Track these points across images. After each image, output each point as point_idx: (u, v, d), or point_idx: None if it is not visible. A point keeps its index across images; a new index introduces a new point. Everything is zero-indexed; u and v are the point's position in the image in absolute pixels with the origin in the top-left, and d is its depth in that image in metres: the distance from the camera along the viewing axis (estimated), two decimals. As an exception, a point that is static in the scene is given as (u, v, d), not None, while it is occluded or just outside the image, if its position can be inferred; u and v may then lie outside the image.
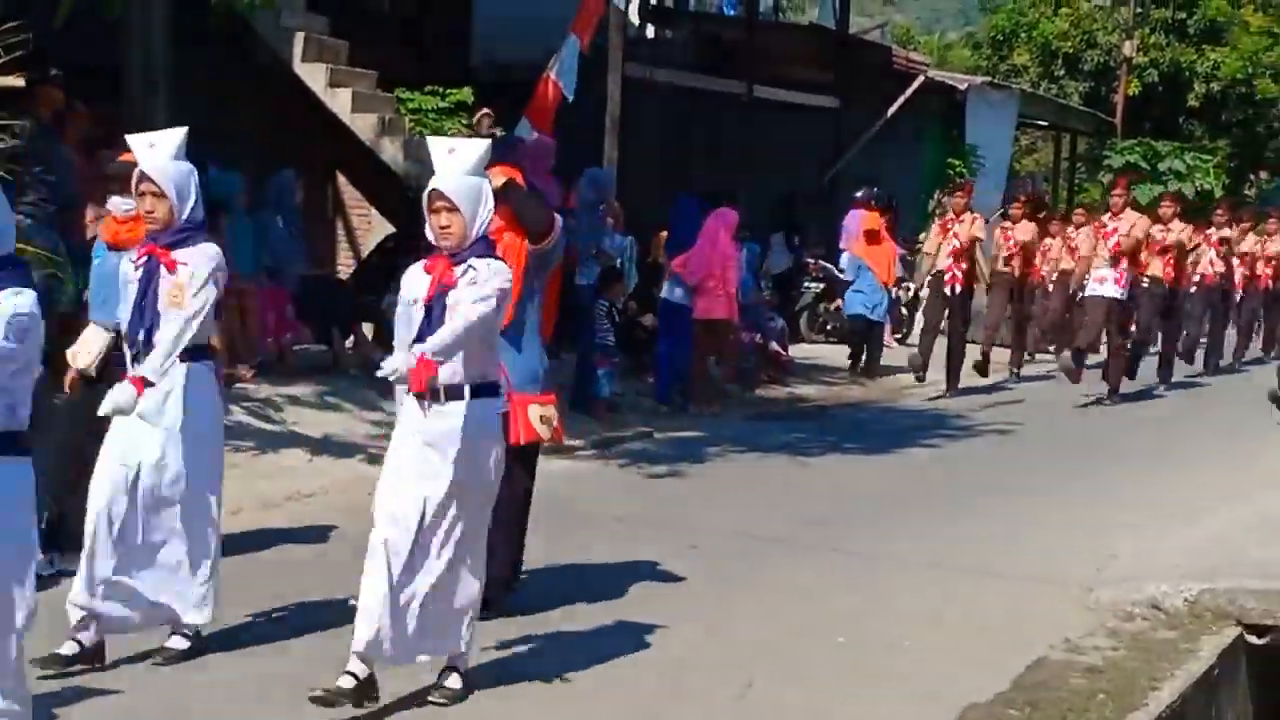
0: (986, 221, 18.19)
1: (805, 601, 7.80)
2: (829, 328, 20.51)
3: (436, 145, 5.92)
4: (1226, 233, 20.48)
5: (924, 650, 7.02)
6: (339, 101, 16.15)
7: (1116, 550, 9.09)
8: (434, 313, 5.74)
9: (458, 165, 5.79)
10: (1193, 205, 34.62)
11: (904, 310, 21.14)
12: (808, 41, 24.98)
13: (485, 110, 15.55)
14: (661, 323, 14.78)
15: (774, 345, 17.20)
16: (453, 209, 5.72)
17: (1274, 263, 20.92)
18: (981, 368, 17.94)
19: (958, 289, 16.80)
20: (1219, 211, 21.37)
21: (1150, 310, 18.01)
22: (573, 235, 14.72)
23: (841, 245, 20.83)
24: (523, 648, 6.70)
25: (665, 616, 7.36)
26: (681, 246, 14.69)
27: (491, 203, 5.87)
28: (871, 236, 18.41)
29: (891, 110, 25.16)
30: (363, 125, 16.34)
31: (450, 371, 5.71)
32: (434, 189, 5.78)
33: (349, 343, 13.26)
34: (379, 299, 13.72)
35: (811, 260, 21.05)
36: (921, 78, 26.26)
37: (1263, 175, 47.09)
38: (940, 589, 8.19)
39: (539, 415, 6.79)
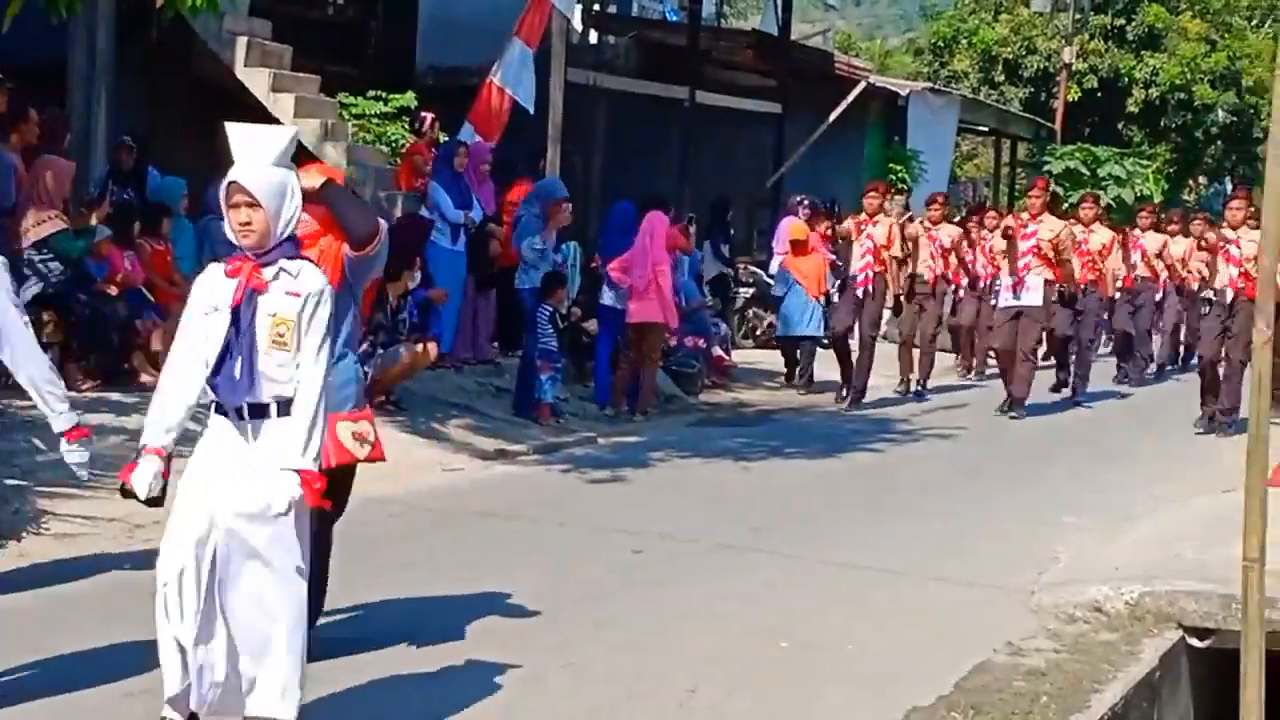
0: (911, 218, 18.13)
1: (749, 606, 7.82)
2: (758, 333, 20.53)
3: (235, 133, 5.33)
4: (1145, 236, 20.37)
5: (867, 653, 7.04)
6: (281, 107, 16.11)
7: (1058, 553, 9.17)
8: (242, 321, 5.15)
9: (260, 156, 5.23)
10: (1131, 210, 35.04)
11: None
12: (750, 47, 25.05)
13: (432, 115, 15.57)
14: (600, 327, 14.82)
15: (717, 350, 17.25)
16: (254, 204, 5.14)
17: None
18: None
19: (870, 289, 16.15)
20: (1143, 215, 21.29)
21: (1068, 316, 17.20)
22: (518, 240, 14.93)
23: (777, 251, 20.90)
24: (464, 656, 6.69)
25: (608, 621, 7.37)
26: (614, 252, 14.74)
27: (299, 198, 5.33)
28: (798, 247, 17.76)
29: (834, 116, 25.30)
30: (306, 130, 16.29)
31: (269, 388, 5.17)
32: (232, 181, 5.19)
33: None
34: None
35: (741, 265, 21.05)
36: (863, 83, 26.43)
37: (1201, 181, 47.58)
38: (883, 592, 8.23)
39: (351, 433, 6.14)
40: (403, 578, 8.03)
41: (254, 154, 5.25)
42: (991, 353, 17.99)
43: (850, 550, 9.16)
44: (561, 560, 8.69)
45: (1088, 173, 35.14)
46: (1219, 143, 43.27)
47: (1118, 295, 19.53)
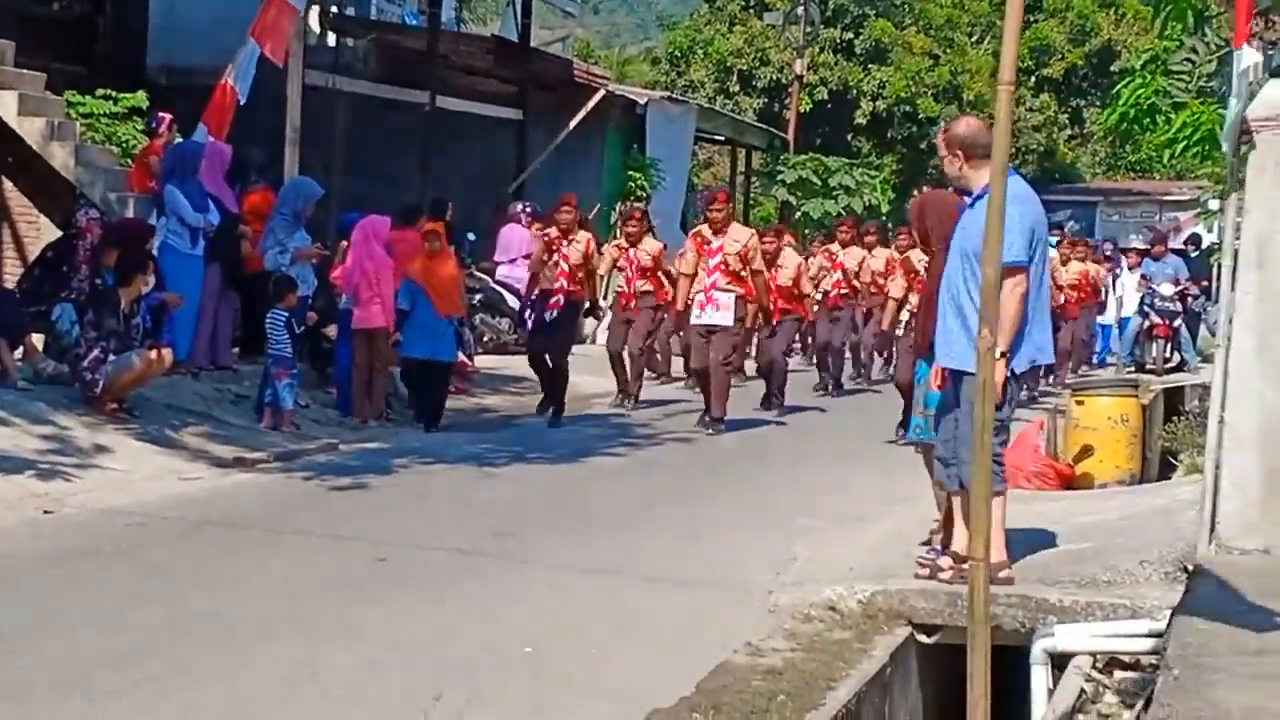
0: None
1: (493, 612, 7.83)
2: (485, 340, 20.33)
3: None
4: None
5: (610, 657, 7.11)
6: (4, 104, 15.65)
7: (795, 553, 9.35)
8: None
9: None
10: (860, 219, 35.92)
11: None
12: (490, 53, 25.07)
13: (170, 116, 15.25)
14: (339, 333, 14.66)
15: (461, 355, 17.17)
16: None
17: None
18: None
19: (559, 314, 15.39)
20: (841, 229, 21.10)
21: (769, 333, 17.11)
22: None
23: (497, 258, 20.85)
24: (209, 671, 6.58)
25: (352, 631, 7.31)
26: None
27: None
28: (433, 254, 14.81)
29: (574, 123, 25.48)
30: (30, 129, 15.86)
31: None
32: None
33: (18, 354, 12.79)
34: (48, 309, 13.30)
35: (468, 271, 20.89)
36: (603, 91, 26.67)
37: (926, 190, 49.10)
38: (626, 596, 8.30)
39: None
40: (140, 590, 7.86)
41: None
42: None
43: (593, 554, 9.23)
44: (303, 569, 8.59)
45: (819, 182, 35.88)
46: (943, 154, 44.66)
47: (816, 308, 18.95)
